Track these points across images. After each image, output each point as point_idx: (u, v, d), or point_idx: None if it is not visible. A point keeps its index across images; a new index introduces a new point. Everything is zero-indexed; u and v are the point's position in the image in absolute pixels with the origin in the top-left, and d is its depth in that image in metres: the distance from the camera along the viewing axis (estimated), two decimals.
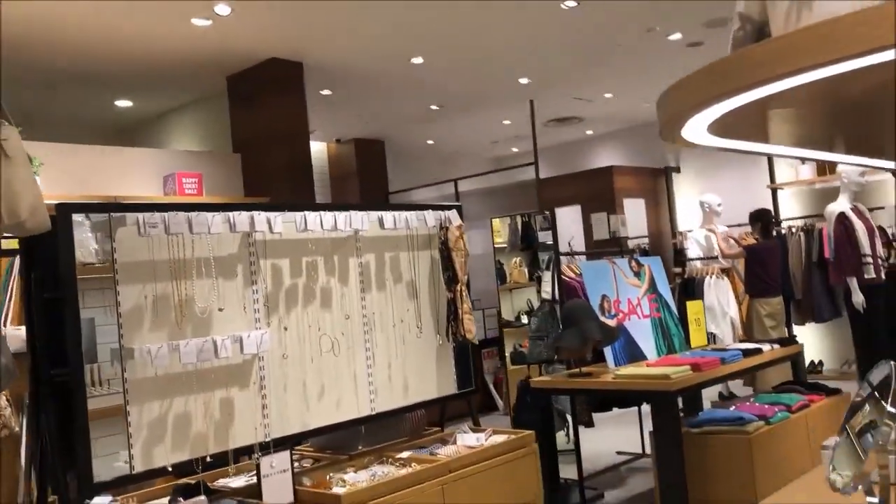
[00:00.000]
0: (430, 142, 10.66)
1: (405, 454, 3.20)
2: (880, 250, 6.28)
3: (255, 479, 2.80)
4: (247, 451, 2.86)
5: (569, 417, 5.75)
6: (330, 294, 3.06)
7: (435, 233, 3.42)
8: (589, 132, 10.69)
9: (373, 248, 3.23)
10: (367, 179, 9.79)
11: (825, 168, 8.38)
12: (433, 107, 8.81)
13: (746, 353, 5.01)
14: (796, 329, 8.33)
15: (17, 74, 6.34)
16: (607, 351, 4.92)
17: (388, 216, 3.16)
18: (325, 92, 7.77)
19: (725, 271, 7.54)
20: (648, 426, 6.32)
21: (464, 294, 3.33)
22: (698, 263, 7.85)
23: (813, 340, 8.22)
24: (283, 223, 2.83)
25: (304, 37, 6.34)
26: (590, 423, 5.95)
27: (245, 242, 2.83)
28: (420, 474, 2.94)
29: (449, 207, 3.44)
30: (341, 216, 2.99)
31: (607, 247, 9.47)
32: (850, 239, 6.11)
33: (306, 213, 2.91)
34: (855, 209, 6.24)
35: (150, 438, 2.58)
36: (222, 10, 5.61)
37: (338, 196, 9.61)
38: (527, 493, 3.30)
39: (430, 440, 3.48)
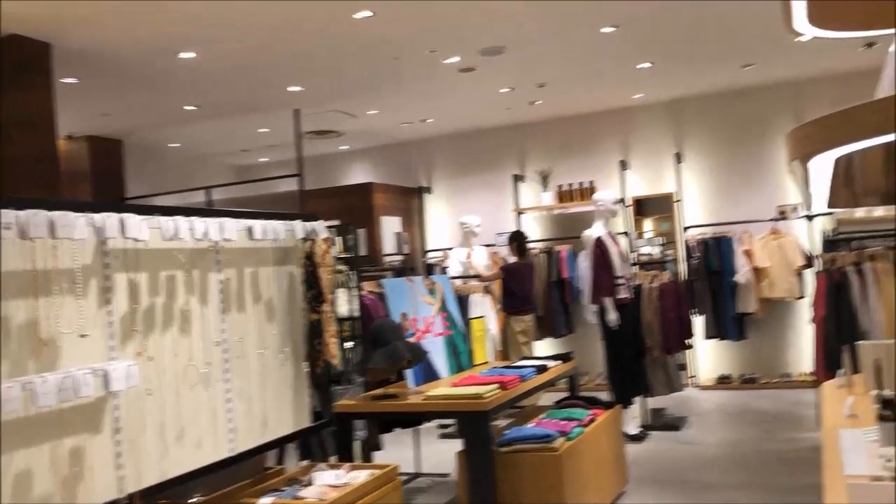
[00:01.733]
0: (173, 145, 9.78)
1: (266, 500, 2.80)
2: (628, 272, 6.93)
3: None
4: None
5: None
6: (190, 316, 2.58)
7: (293, 246, 3.06)
8: (344, 147, 10.57)
9: (233, 263, 2.80)
10: (101, 182, 8.70)
11: (564, 195, 9.14)
12: (188, 107, 8.09)
13: (538, 370, 5.22)
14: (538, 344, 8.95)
15: None
16: (408, 371, 4.83)
17: (257, 226, 2.76)
18: (69, 80, 6.76)
19: (487, 289, 7.84)
20: (428, 445, 6.38)
21: (330, 315, 3.02)
22: (459, 282, 8.08)
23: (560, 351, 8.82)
24: (150, 229, 2.33)
25: (58, 15, 5.44)
26: (377, 447, 5.80)
27: (99, 252, 2.28)
28: None
29: (312, 217, 3.11)
30: (213, 224, 2.54)
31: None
32: (606, 262, 6.65)
33: (177, 218, 2.42)
34: (609, 234, 6.81)
35: None
36: None
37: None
38: None
39: (279, 482, 3.09)
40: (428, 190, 10.40)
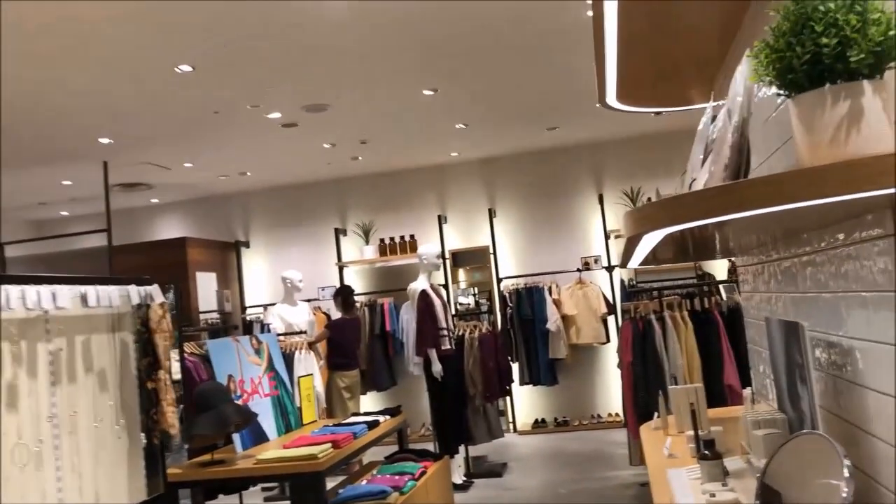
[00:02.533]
0: None
1: None
2: (451, 323, 7.17)
3: None
4: None
5: None
6: (17, 391, 2.40)
7: (126, 312, 2.93)
8: (155, 200, 10.12)
9: (64, 332, 2.63)
10: None
11: (386, 249, 9.31)
12: None
13: (370, 426, 5.26)
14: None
15: None
16: (236, 435, 4.71)
17: (91, 292, 2.62)
18: None
19: (310, 346, 7.78)
20: None
21: (167, 382, 2.90)
22: (282, 339, 7.95)
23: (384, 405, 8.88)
24: None
25: None
26: None
27: None
28: None
29: (147, 282, 2.99)
30: (45, 291, 2.39)
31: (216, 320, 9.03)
32: (431, 314, 6.85)
33: (7, 287, 2.26)
34: (432, 286, 7.03)
35: None
36: None
37: None
38: None
39: None
40: (246, 244, 10.19)
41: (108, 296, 2.73)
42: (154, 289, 3.01)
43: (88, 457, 2.71)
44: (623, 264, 2.18)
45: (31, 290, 2.38)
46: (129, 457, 2.95)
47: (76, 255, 8.30)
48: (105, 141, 7.23)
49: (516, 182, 9.50)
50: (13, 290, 2.33)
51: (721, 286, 6.71)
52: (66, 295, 2.52)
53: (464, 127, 7.94)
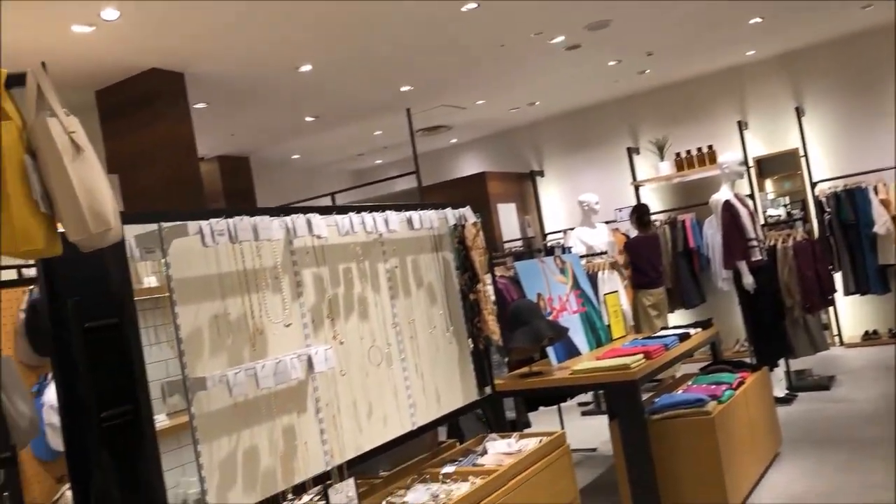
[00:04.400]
0: (295, 156, 10.26)
1: (448, 469, 2.99)
2: (760, 233, 6.78)
3: None
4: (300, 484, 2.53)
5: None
6: (367, 302, 2.81)
7: (445, 233, 3.25)
8: (454, 140, 10.78)
9: (397, 252, 3.02)
10: (234, 199, 9.24)
11: (682, 163, 9.00)
12: (308, 118, 8.49)
13: (681, 338, 5.21)
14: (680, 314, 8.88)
15: None
16: (550, 349, 4.93)
17: (415, 216, 2.96)
18: (200, 105, 7.24)
19: (613, 265, 7.85)
20: (571, 422, 6.47)
21: (486, 294, 3.19)
22: (583, 261, 8.11)
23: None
24: (328, 227, 2.56)
25: (187, 46, 5.85)
26: (527, 424, 5.94)
27: (288, 251, 2.52)
28: (487, 487, 2.76)
29: (459, 205, 3.29)
30: (380, 217, 2.76)
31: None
32: (737, 225, 6.54)
33: (351, 215, 2.65)
34: (737, 196, 6.69)
35: (223, 480, 2.21)
36: (110, 14, 5.03)
37: None
38: (568, 493, 3.21)
39: (455, 453, 3.28)
40: (540, 173, 10.47)
41: (429, 218, 3.04)
42: (467, 210, 3.28)
43: (427, 359, 3.08)
44: None
45: (368, 217, 2.75)
46: (459, 360, 3.29)
47: (392, 198, 9.17)
48: (405, 89, 7.83)
49: (825, 74, 8.59)
50: (354, 218, 2.72)
51: None
52: (395, 220, 2.87)
53: (759, 21, 7.34)
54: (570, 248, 8.41)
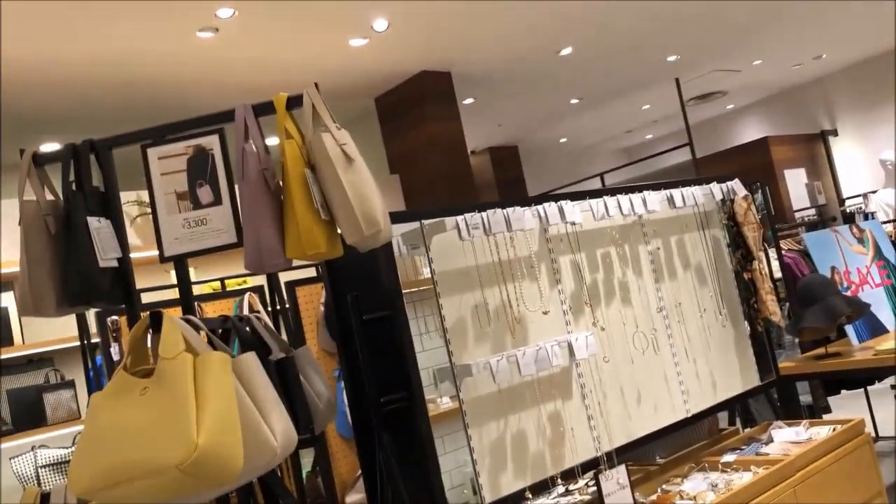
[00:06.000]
0: (562, 140, 10.32)
1: (729, 458, 2.85)
2: None
3: (575, 499, 2.51)
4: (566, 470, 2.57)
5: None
6: (628, 287, 2.76)
7: (712, 209, 3.08)
8: (730, 106, 10.14)
9: (659, 233, 2.92)
10: (505, 188, 9.52)
11: None
12: (573, 101, 8.48)
13: None
14: None
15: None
16: (849, 327, 4.46)
17: (677, 194, 2.84)
18: (468, 101, 7.55)
19: None
20: (883, 407, 5.79)
21: (763, 272, 2.97)
22: (888, 227, 7.22)
23: None
24: (581, 213, 2.56)
25: (453, 46, 6.12)
26: (827, 409, 5.44)
27: (543, 239, 2.56)
28: (772, 477, 2.58)
29: (727, 178, 3.10)
30: (637, 198, 2.69)
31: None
32: None
33: (605, 198, 2.62)
34: None
35: (493, 464, 2.32)
36: (380, 25, 5.43)
37: None
38: (870, 488, 2.90)
39: (737, 441, 3.11)
40: (833, 132, 9.47)
41: (693, 195, 2.89)
42: (735, 183, 3.07)
43: (698, 343, 2.94)
44: None
45: (624, 199, 2.68)
46: (735, 344, 3.10)
47: (664, 173, 8.86)
48: (672, 58, 7.51)
49: None
50: (610, 201, 2.67)
51: None
52: (655, 199, 2.77)
53: None
54: (872, 213, 7.54)
